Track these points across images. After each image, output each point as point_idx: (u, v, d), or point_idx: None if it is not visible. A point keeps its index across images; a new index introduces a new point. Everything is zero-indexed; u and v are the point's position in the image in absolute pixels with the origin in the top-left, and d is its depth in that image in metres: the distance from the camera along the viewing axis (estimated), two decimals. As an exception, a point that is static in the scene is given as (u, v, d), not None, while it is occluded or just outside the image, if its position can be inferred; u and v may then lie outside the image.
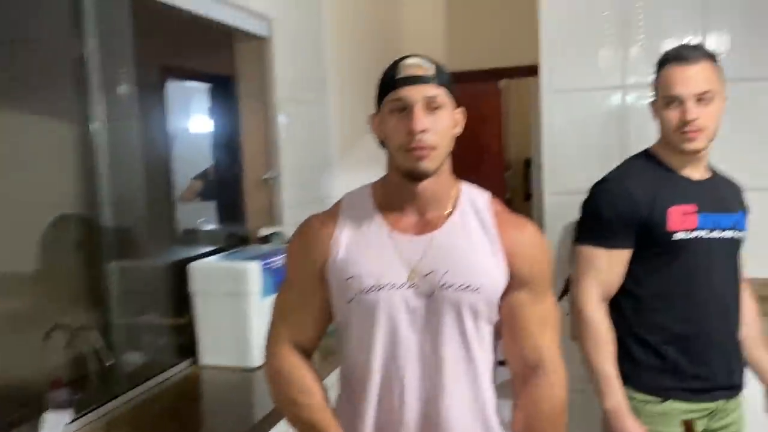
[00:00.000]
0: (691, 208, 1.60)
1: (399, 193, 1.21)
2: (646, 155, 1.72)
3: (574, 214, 2.54)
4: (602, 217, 1.64)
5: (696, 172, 1.66)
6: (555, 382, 1.23)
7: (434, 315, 1.19)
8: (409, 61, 1.19)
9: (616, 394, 1.56)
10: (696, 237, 1.59)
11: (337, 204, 1.28)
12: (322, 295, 1.25)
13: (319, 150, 2.84)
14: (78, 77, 1.83)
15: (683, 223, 1.58)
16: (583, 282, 1.64)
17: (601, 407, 1.59)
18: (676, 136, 1.60)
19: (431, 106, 1.16)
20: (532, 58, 4.03)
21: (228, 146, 2.84)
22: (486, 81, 5.02)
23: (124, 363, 1.82)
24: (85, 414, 1.60)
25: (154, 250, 2.13)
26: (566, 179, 2.57)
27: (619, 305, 1.65)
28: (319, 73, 2.83)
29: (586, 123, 2.55)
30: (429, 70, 1.18)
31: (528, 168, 6.40)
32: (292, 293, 1.29)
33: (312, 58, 2.78)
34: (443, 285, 1.18)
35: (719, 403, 1.62)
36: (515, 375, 1.27)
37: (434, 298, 1.18)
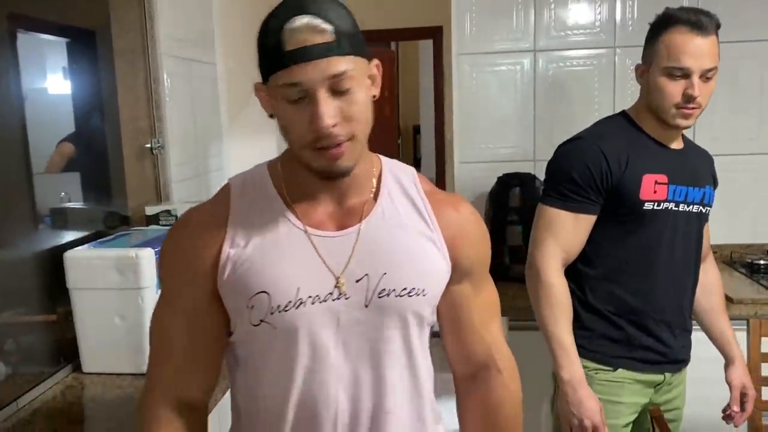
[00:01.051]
0: (662, 178, 1.52)
1: (309, 180, 0.93)
2: (623, 117, 1.60)
3: (484, 183, 2.48)
4: (571, 177, 1.51)
5: (672, 142, 1.57)
6: (510, 380, 1.07)
7: (373, 331, 0.93)
8: (297, 22, 0.84)
9: (573, 364, 1.48)
10: (664, 209, 1.52)
11: (223, 192, 0.97)
12: (216, 320, 0.94)
13: (208, 116, 2.53)
14: None
15: (654, 193, 1.51)
16: (544, 244, 1.52)
17: (556, 375, 1.51)
18: (671, 111, 1.48)
19: (339, 88, 0.85)
20: (427, 20, 3.93)
21: (99, 109, 2.46)
22: (378, 43, 4.83)
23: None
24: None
25: (11, 236, 1.76)
26: (475, 147, 2.46)
27: (575, 272, 1.57)
28: (207, 26, 2.51)
29: (496, 88, 2.44)
30: (327, 32, 0.84)
31: (417, 135, 6.35)
32: (175, 322, 0.95)
33: (198, 9, 2.44)
34: (382, 292, 0.92)
35: (666, 376, 1.59)
36: (460, 377, 1.09)
37: (372, 310, 0.92)
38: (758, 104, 2.38)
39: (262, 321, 0.90)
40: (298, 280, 0.90)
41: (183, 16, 2.30)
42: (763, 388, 1.78)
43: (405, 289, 0.93)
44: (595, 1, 2.36)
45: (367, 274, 0.92)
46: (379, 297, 0.92)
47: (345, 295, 0.91)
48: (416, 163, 6.40)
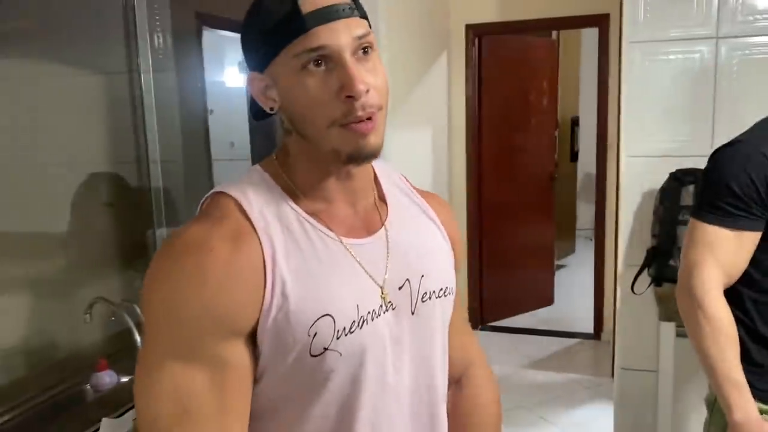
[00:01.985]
0: None
1: (323, 182, 0.83)
2: None
3: (654, 179, 2.33)
4: (731, 189, 1.33)
5: None
6: (491, 382, 1.06)
7: (420, 339, 0.88)
8: None
9: (748, 402, 1.32)
10: None
11: (231, 209, 0.79)
12: (250, 367, 0.78)
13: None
14: (126, 26, 1.62)
15: None
16: (703, 269, 1.35)
17: (728, 419, 1.34)
18: None
19: (364, 51, 0.78)
20: (592, 7, 3.77)
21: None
22: (539, 32, 4.70)
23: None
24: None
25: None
26: (645, 141, 2.32)
27: (739, 296, 1.40)
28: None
29: (669, 78, 2.28)
30: None
31: (575, 127, 6.11)
32: (197, 380, 0.73)
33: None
34: (425, 296, 0.87)
35: None
36: (449, 379, 1.01)
37: (418, 317, 0.87)
38: None
39: (326, 349, 0.77)
40: (354, 296, 0.81)
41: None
42: None
43: (441, 289, 0.90)
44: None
45: (408, 280, 0.86)
46: (423, 302, 0.87)
47: (392, 305, 0.84)
48: (573, 157, 6.17)
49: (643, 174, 2.34)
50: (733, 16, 2.20)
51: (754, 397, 1.35)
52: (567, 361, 4.05)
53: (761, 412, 1.35)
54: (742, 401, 1.31)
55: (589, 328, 4.38)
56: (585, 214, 6.16)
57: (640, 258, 2.30)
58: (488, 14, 4.08)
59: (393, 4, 2.92)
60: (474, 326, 4.55)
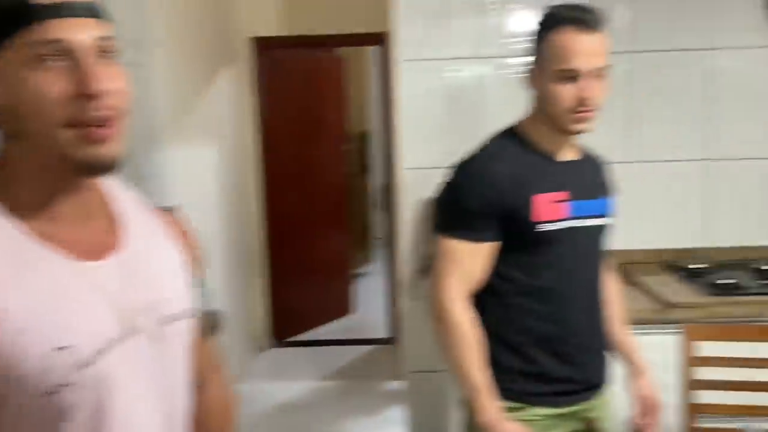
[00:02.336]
0: (560, 195, 1.44)
1: (51, 196, 0.76)
2: (514, 133, 1.50)
3: (430, 189, 2.46)
4: (464, 206, 1.44)
5: (567, 153, 1.50)
6: (225, 390, 1.07)
7: (164, 366, 0.83)
8: None
9: (492, 405, 1.41)
10: (564, 228, 1.45)
11: None
12: None
13: (142, 120, 2.45)
14: None
15: (551, 212, 1.43)
16: (446, 279, 1.44)
17: (474, 420, 1.43)
18: (566, 116, 1.40)
19: (107, 53, 0.74)
20: (375, 26, 3.92)
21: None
22: (324, 48, 4.78)
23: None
24: None
25: None
26: (421, 154, 2.45)
27: (484, 304, 1.48)
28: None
29: (440, 95, 2.43)
30: None
31: (365, 141, 6.31)
32: None
33: (132, 10, 2.37)
34: (167, 319, 0.83)
35: (585, 405, 1.53)
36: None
37: (160, 341, 0.82)
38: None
39: (61, 385, 0.71)
40: (89, 324, 0.74)
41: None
42: (697, 392, 1.80)
43: (184, 311, 0.87)
44: (538, 9, 2.37)
45: (147, 304, 0.81)
46: (165, 325, 0.83)
47: (134, 330, 0.79)
48: (364, 170, 6.37)
49: (420, 185, 2.46)
50: (494, 39, 2.40)
51: (502, 397, 1.44)
52: (366, 369, 4.14)
53: (509, 410, 1.45)
54: (486, 404, 1.40)
55: (385, 333, 4.54)
56: (379, 224, 6.39)
57: (420, 262, 2.42)
58: (272, 28, 4.07)
59: (172, 15, 2.78)
60: (270, 344, 4.49)
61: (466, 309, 1.44)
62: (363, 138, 6.28)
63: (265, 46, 4.15)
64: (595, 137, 2.40)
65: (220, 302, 3.39)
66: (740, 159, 2.45)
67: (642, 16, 2.39)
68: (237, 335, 3.96)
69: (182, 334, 0.87)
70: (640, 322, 2.00)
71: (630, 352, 1.65)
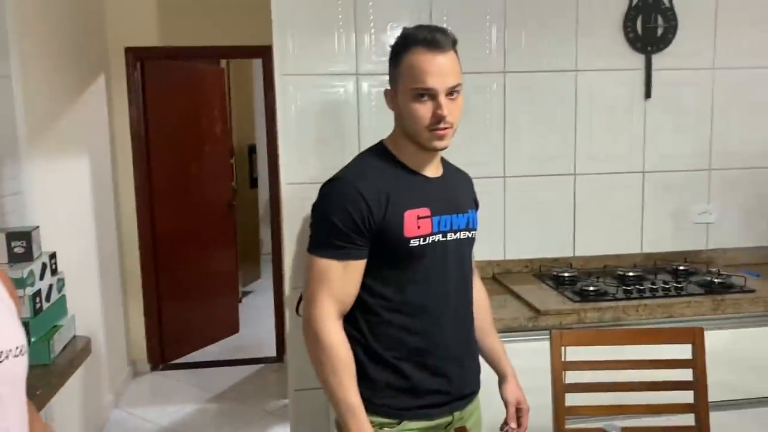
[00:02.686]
0: (425, 211, 1.47)
1: None
2: (382, 149, 1.53)
3: (309, 205, 2.44)
4: (334, 224, 1.43)
5: (431, 170, 1.53)
6: None
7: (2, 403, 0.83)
8: None
9: (363, 424, 1.40)
10: (431, 242, 1.47)
11: None
12: None
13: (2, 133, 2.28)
14: None
15: (418, 228, 1.45)
16: (317, 301, 1.43)
17: None
18: (424, 134, 1.44)
19: None
20: (257, 38, 3.86)
21: None
22: (207, 59, 4.67)
23: None
24: None
25: None
26: (301, 169, 2.43)
27: (356, 319, 1.49)
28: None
29: (319, 110, 2.43)
30: None
31: (253, 154, 6.21)
32: None
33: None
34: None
35: (456, 415, 1.56)
36: None
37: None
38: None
39: None
40: None
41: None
42: (567, 395, 1.89)
43: (17, 347, 0.85)
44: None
45: None
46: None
47: None
48: (253, 183, 6.26)
49: (302, 199, 2.43)
50: (369, 56, 2.43)
51: (373, 412, 1.45)
52: (252, 389, 4.04)
53: (380, 425, 1.47)
54: (358, 424, 1.40)
55: (273, 352, 4.45)
56: (269, 239, 6.29)
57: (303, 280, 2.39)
58: (150, 39, 3.93)
59: (38, 26, 2.61)
60: (154, 367, 4.28)
61: (337, 329, 1.43)
62: (251, 152, 6.18)
63: (141, 56, 3.99)
64: (472, 152, 2.53)
65: (89, 327, 3.20)
66: (605, 173, 2.62)
67: (514, 40, 2.50)
68: (112, 359, 3.75)
69: (18, 370, 0.85)
70: (513, 329, 2.08)
71: (498, 358, 1.70)
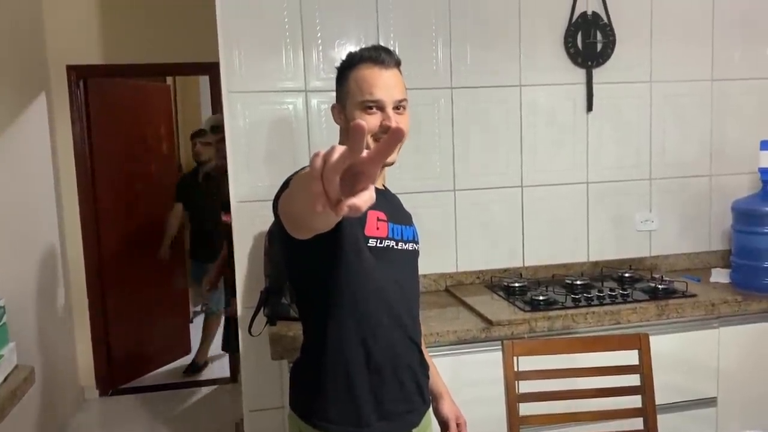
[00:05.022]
0: (383, 215, 1.47)
1: None
2: None
3: (263, 221, 2.43)
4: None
5: (378, 182, 1.55)
6: None
7: None
8: None
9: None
10: (386, 246, 1.48)
11: None
12: None
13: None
14: None
15: (377, 229, 1.46)
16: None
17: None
18: (371, 144, 1.43)
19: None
20: (203, 55, 3.83)
21: None
22: (152, 77, 4.59)
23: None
24: None
25: None
26: (252, 186, 2.41)
27: (306, 329, 1.49)
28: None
29: (267, 127, 2.42)
30: None
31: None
32: None
33: None
34: None
35: (414, 429, 1.54)
36: None
37: None
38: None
39: None
40: None
41: None
42: (520, 405, 1.91)
43: None
44: (360, 42, 2.45)
45: None
46: None
47: None
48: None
49: (253, 217, 2.42)
50: (317, 72, 2.44)
51: (326, 424, 1.44)
52: (205, 411, 3.96)
53: None
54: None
55: (227, 372, 4.37)
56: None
57: (256, 299, 2.36)
58: (93, 56, 3.85)
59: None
60: (103, 392, 4.15)
61: None
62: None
63: (83, 74, 3.90)
64: (423, 167, 2.55)
65: (33, 355, 3.09)
66: (550, 184, 2.68)
67: (460, 56, 2.55)
68: (59, 387, 3.63)
69: None
70: (466, 341, 2.10)
71: (432, 377, 1.68)
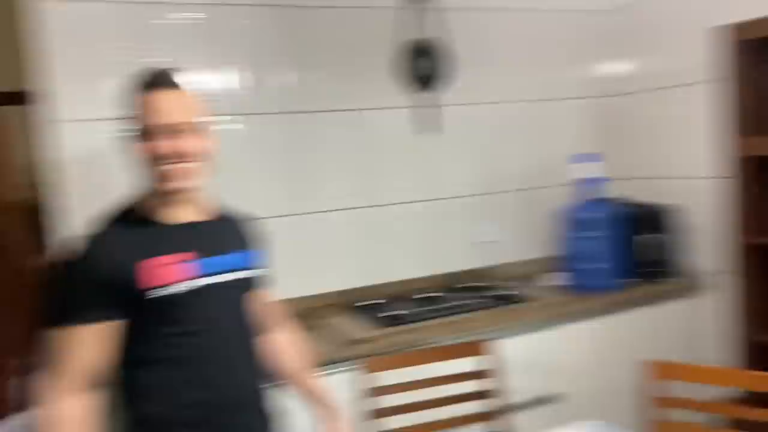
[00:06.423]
0: (180, 257, 1.38)
1: None
2: (124, 207, 1.43)
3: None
4: (77, 287, 1.34)
5: (186, 215, 1.44)
6: None
7: None
8: None
9: None
10: (193, 289, 1.38)
11: None
12: None
13: None
14: None
15: (164, 276, 1.35)
16: (54, 373, 1.31)
17: None
18: (155, 176, 1.37)
19: None
20: (17, 83, 3.50)
21: None
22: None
23: None
24: None
25: None
26: (79, 222, 2.23)
27: (124, 383, 1.38)
28: None
29: (95, 157, 2.25)
30: None
31: (38, 213, 5.62)
32: None
33: None
34: None
35: None
36: None
37: None
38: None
39: None
40: None
41: None
42: (383, 420, 1.92)
43: None
44: (199, 70, 2.37)
45: None
46: None
47: None
48: (40, 245, 5.65)
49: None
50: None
51: None
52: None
53: None
54: None
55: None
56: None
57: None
58: None
59: None
60: None
61: (77, 405, 1.31)
62: (34, 209, 5.58)
63: None
64: (269, 193, 2.50)
65: None
66: (396, 203, 2.75)
67: (304, 82, 2.55)
68: None
69: None
70: (325, 362, 2.08)
71: (320, 397, 1.65)
